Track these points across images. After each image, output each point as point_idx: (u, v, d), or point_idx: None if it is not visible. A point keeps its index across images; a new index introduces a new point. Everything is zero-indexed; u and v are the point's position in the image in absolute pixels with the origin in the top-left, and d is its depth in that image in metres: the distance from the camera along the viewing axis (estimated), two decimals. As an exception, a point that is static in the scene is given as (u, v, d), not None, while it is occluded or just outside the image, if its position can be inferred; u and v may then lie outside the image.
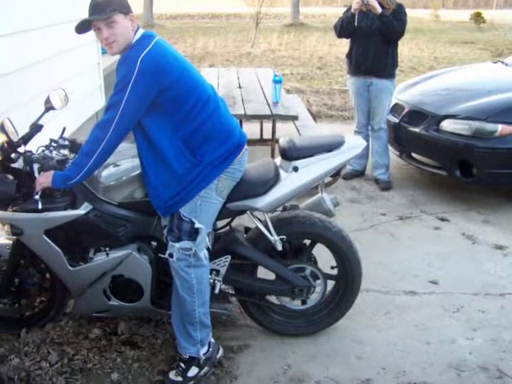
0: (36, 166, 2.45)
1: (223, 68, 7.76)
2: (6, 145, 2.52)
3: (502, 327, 3.08)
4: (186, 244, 2.47)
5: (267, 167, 2.72)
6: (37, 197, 2.42)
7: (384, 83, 4.96)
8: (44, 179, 2.40)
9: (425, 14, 25.66)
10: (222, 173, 2.46)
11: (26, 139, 2.59)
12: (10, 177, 2.53)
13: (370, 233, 4.26)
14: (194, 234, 2.47)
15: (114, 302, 2.74)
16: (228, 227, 2.91)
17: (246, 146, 2.58)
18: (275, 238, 2.71)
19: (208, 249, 2.61)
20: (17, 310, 2.92)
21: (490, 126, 4.47)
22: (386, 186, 5.14)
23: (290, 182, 2.65)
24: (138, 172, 2.58)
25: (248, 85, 5.92)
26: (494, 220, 4.47)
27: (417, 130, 4.87)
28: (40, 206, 2.43)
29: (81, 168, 2.34)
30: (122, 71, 2.29)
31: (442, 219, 4.49)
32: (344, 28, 4.95)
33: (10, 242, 2.75)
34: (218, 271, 2.74)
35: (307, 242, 2.92)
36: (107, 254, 2.64)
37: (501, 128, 4.43)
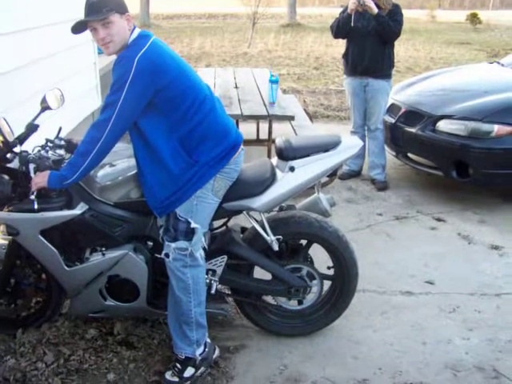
0: (32, 166, 2.44)
1: (220, 68, 7.76)
2: (1, 145, 2.51)
3: (498, 327, 3.09)
4: (182, 244, 2.46)
5: (263, 167, 2.71)
6: (32, 197, 2.42)
7: (380, 83, 4.97)
8: (40, 179, 2.40)
9: (421, 15, 25.70)
10: (218, 173, 2.46)
11: (21, 139, 2.58)
12: (6, 177, 2.52)
13: (366, 233, 4.26)
14: (190, 233, 2.47)
15: (110, 302, 2.74)
16: (224, 227, 2.91)
17: (242, 146, 2.58)
18: (271, 238, 2.71)
19: (204, 249, 2.61)
20: (13, 310, 2.91)
21: (486, 127, 4.48)
22: (382, 186, 5.14)
23: (286, 182, 2.65)
24: (134, 172, 2.57)
25: (244, 85, 5.93)
26: (490, 220, 4.48)
27: (413, 130, 4.88)
28: (36, 206, 2.43)
29: (77, 168, 2.33)
30: (118, 71, 2.28)
31: (438, 219, 4.50)
32: (340, 28, 4.96)
33: (6, 242, 2.74)
34: (214, 271, 2.74)
35: (303, 242, 2.92)
36: (103, 254, 2.63)
37: (497, 128, 4.44)
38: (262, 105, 5.04)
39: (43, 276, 2.84)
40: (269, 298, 3.00)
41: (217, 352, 2.75)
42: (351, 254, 2.84)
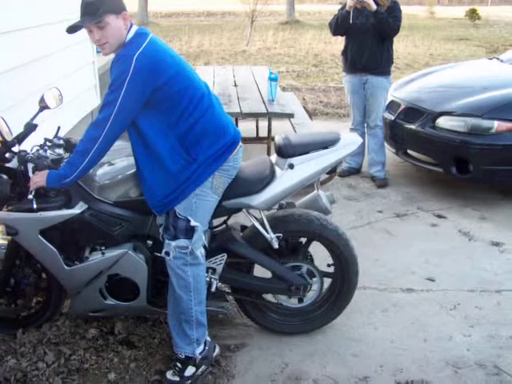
0: (30, 166, 2.44)
1: (219, 66, 7.75)
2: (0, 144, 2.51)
3: (499, 324, 3.09)
4: (182, 242, 2.46)
5: (263, 165, 2.71)
6: (31, 196, 2.41)
7: (379, 80, 4.96)
8: (38, 178, 2.39)
9: (420, 11, 25.70)
10: (216, 170, 2.46)
11: (20, 139, 2.58)
12: (5, 176, 2.52)
13: (366, 230, 4.26)
14: (189, 232, 2.46)
15: (110, 301, 2.73)
16: (224, 225, 2.91)
17: (240, 143, 2.57)
18: (271, 236, 2.70)
19: (205, 247, 2.60)
20: (13, 310, 2.90)
21: (486, 123, 4.48)
22: (382, 184, 5.14)
23: (285, 179, 2.64)
24: (133, 171, 2.57)
25: (243, 83, 5.92)
26: (490, 217, 4.48)
27: (413, 127, 4.88)
28: (35, 206, 2.42)
29: (75, 167, 2.33)
30: (116, 70, 2.27)
31: (439, 216, 4.49)
32: (339, 25, 4.95)
33: (5, 242, 2.74)
34: (214, 269, 2.73)
35: (303, 239, 2.91)
36: (103, 254, 2.63)
37: (497, 124, 4.43)
38: (261, 102, 5.04)
39: (43, 276, 2.84)
40: (269, 296, 3.00)
41: (217, 350, 2.75)
42: (351, 252, 2.84)
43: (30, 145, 2.61)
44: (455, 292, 3.41)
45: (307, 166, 2.65)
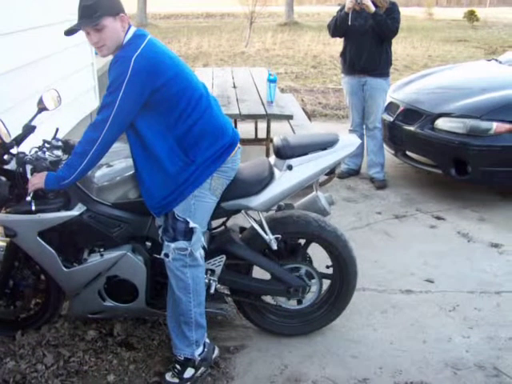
0: (29, 167, 2.44)
1: (218, 68, 7.75)
2: (-2, 146, 2.51)
3: (498, 325, 3.08)
4: (181, 244, 2.46)
5: (261, 166, 2.71)
6: (29, 198, 2.41)
7: (378, 82, 4.96)
8: (37, 180, 2.39)
9: (418, 12, 25.71)
10: (215, 172, 2.45)
11: (18, 140, 2.57)
12: (3, 178, 2.51)
13: (365, 232, 4.26)
14: (188, 233, 2.46)
15: (109, 302, 2.73)
16: (223, 227, 2.90)
17: (238, 145, 2.57)
18: (270, 238, 2.70)
19: (204, 248, 2.60)
20: (12, 312, 2.90)
21: (484, 124, 4.48)
22: (381, 185, 5.14)
23: (284, 180, 2.64)
24: (131, 172, 2.57)
25: (242, 84, 5.92)
26: (489, 218, 4.48)
27: (412, 128, 4.88)
28: (33, 208, 2.42)
29: (74, 169, 2.32)
30: (115, 72, 2.27)
31: (438, 217, 4.49)
32: (338, 27, 4.95)
33: (4, 243, 2.73)
34: (213, 271, 2.73)
35: (302, 241, 2.91)
36: (101, 255, 2.62)
37: (496, 126, 4.44)
38: (260, 104, 5.03)
39: (42, 277, 2.83)
40: (268, 298, 2.99)
41: (216, 352, 2.75)
42: (350, 253, 2.84)
43: (28, 146, 2.61)
44: (454, 293, 3.40)
45: (306, 168, 2.65)
